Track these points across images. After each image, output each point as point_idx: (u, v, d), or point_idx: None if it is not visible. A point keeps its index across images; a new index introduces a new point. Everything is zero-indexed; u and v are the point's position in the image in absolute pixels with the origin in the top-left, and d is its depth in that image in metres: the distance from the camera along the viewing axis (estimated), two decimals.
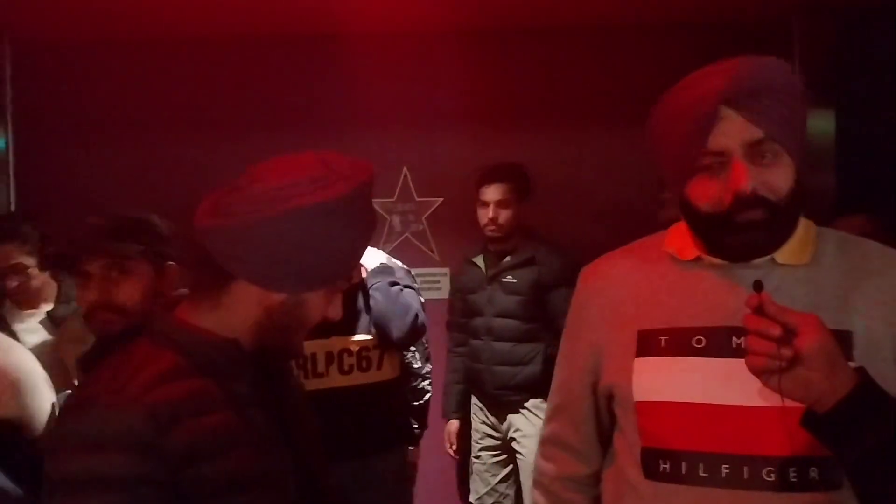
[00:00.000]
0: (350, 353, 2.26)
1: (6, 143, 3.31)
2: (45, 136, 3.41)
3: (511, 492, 3.04)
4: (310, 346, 2.19)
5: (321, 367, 2.23)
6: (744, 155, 0.99)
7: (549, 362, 2.83)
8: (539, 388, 2.85)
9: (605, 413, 1.18)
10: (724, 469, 1.00)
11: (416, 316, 2.28)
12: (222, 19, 3.23)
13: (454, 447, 3.11)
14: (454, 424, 3.09)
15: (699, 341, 1.04)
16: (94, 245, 1.53)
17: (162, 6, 3.04)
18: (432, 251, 3.60)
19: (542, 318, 2.88)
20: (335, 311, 1.05)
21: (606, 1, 3.18)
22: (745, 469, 0.99)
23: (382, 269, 2.33)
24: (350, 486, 2.15)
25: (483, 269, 2.98)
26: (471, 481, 3.13)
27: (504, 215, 2.87)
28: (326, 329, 2.16)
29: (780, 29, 3.25)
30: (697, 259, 1.10)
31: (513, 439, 2.95)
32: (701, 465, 1.01)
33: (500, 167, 2.92)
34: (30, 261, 2.27)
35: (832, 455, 0.92)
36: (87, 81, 3.47)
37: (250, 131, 3.37)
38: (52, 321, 2.29)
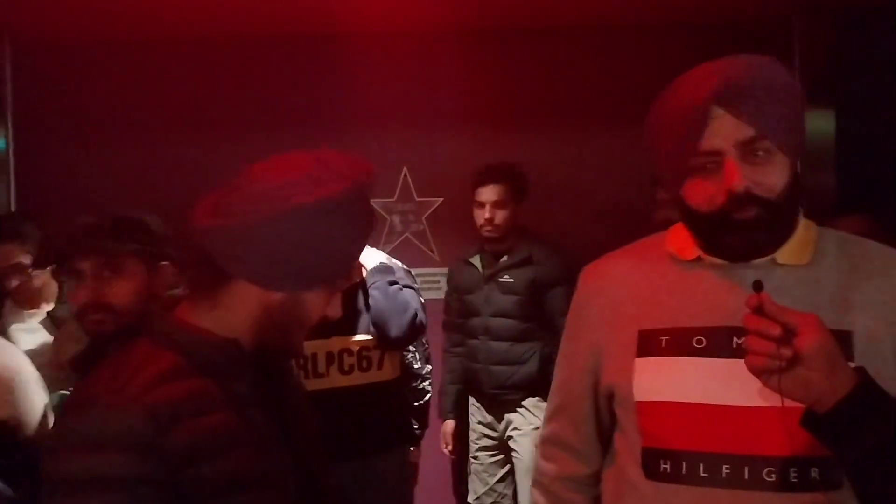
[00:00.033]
0: (350, 353, 2.26)
1: (6, 142, 3.32)
2: (46, 136, 3.41)
3: (509, 491, 3.05)
4: (310, 347, 2.19)
5: (322, 368, 2.23)
6: (737, 154, 0.99)
7: (545, 361, 2.85)
8: (536, 386, 2.86)
9: (605, 413, 1.18)
10: (725, 469, 1.00)
11: (415, 314, 2.29)
12: (222, 19, 3.23)
13: (450, 447, 3.11)
14: (450, 425, 3.09)
15: (700, 341, 1.04)
16: (86, 244, 1.50)
17: (162, 6, 3.04)
18: (432, 251, 3.60)
19: (539, 318, 2.90)
20: (334, 310, 1.05)
21: (606, 1, 3.18)
22: (746, 469, 0.99)
23: (382, 269, 2.33)
24: (350, 487, 2.15)
25: (480, 268, 2.99)
26: (469, 482, 3.14)
27: (500, 216, 2.88)
28: (327, 329, 2.17)
29: (780, 29, 3.25)
30: (698, 259, 1.10)
31: (510, 437, 2.96)
32: (701, 466, 1.01)
33: (495, 168, 2.93)
34: (31, 260, 2.27)
35: (833, 455, 0.92)
36: (87, 81, 3.47)
37: (250, 131, 3.37)
38: (52, 321, 2.29)
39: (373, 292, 2.27)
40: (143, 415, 0.87)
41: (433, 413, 2.93)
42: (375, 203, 3.50)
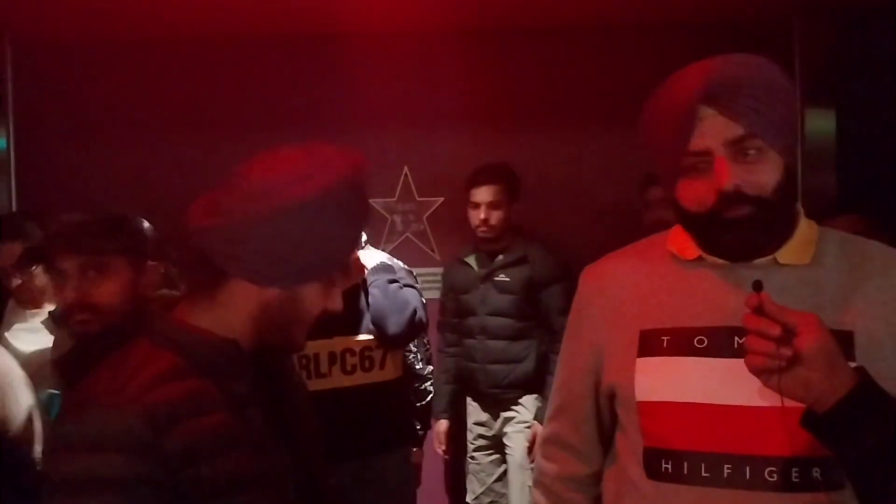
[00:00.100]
0: (353, 352, 2.26)
1: (7, 142, 3.31)
2: (46, 135, 3.41)
3: (507, 491, 3.05)
4: (313, 347, 2.20)
5: (324, 368, 2.24)
6: (727, 153, 0.99)
7: (542, 359, 2.87)
8: (533, 384, 2.88)
9: (606, 413, 1.19)
10: (727, 469, 1.00)
11: (414, 312, 2.29)
12: (222, 19, 3.23)
13: (443, 447, 3.11)
14: (443, 425, 3.09)
15: (701, 341, 1.04)
16: (71, 243, 1.47)
17: (162, 6, 3.04)
18: (433, 251, 3.60)
19: (536, 316, 2.91)
20: (335, 303, 1.05)
21: (606, 1, 3.18)
22: (748, 469, 0.99)
23: (382, 268, 2.34)
24: (351, 487, 2.15)
25: (475, 268, 3.00)
26: (467, 482, 3.14)
27: (496, 216, 2.89)
28: (329, 329, 2.18)
29: (780, 29, 3.25)
30: (699, 259, 1.10)
31: (504, 434, 2.97)
32: (703, 465, 1.01)
33: (489, 168, 2.94)
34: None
35: (834, 455, 0.92)
36: (87, 81, 3.47)
37: (250, 131, 3.37)
38: (54, 321, 2.29)
39: (372, 290, 2.28)
40: (141, 415, 0.87)
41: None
42: (376, 203, 3.51)
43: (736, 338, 1.01)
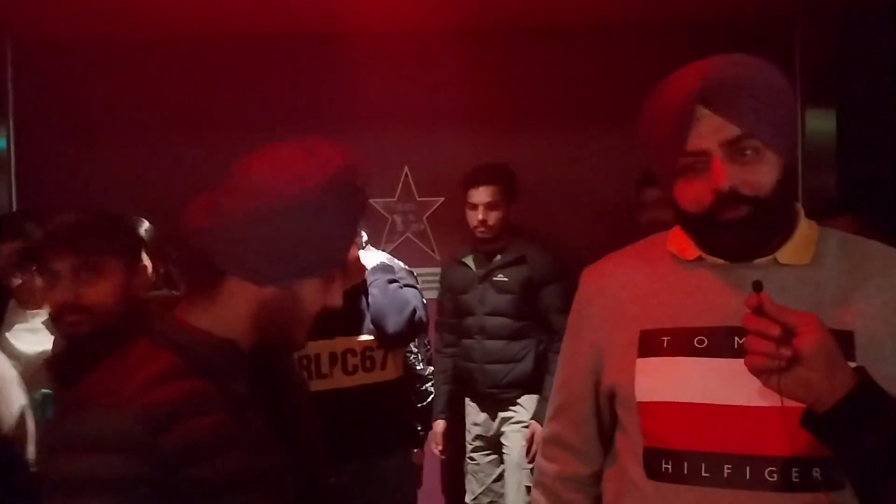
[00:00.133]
0: (354, 353, 2.26)
1: (7, 142, 3.31)
2: (46, 135, 3.40)
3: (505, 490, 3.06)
4: (314, 347, 2.20)
5: (325, 368, 2.24)
6: (723, 154, 0.99)
7: (540, 359, 2.88)
8: (531, 384, 2.89)
9: (606, 413, 1.19)
10: (727, 469, 1.00)
11: (414, 311, 2.29)
12: (222, 19, 3.23)
13: (440, 447, 3.11)
14: (440, 425, 3.09)
15: (701, 341, 1.04)
16: (63, 243, 1.46)
17: (162, 6, 3.04)
18: (433, 251, 3.60)
19: (534, 316, 2.92)
20: (334, 300, 1.04)
21: (606, 1, 3.18)
22: (748, 469, 0.99)
23: (382, 268, 2.34)
24: (351, 487, 2.15)
25: (473, 268, 3.01)
26: (466, 482, 3.14)
27: (494, 217, 2.90)
28: (330, 329, 2.18)
29: (780, 29, 3.25)
30: (699, 259, 1.10)
31: (502, 433, 2.97)
32: (703, 465, 1.01)
33: (486, 169, 2.94)
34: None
35: (834, 455, 0.92)
36: (88, 81, 3.47)
37: (250, 131, 3.37)
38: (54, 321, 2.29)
39: (372, 290, 2.28)
40: (141, 415, 0.88)
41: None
42: (376, 203, 3.51)
43: (736, 338, 1.01)
